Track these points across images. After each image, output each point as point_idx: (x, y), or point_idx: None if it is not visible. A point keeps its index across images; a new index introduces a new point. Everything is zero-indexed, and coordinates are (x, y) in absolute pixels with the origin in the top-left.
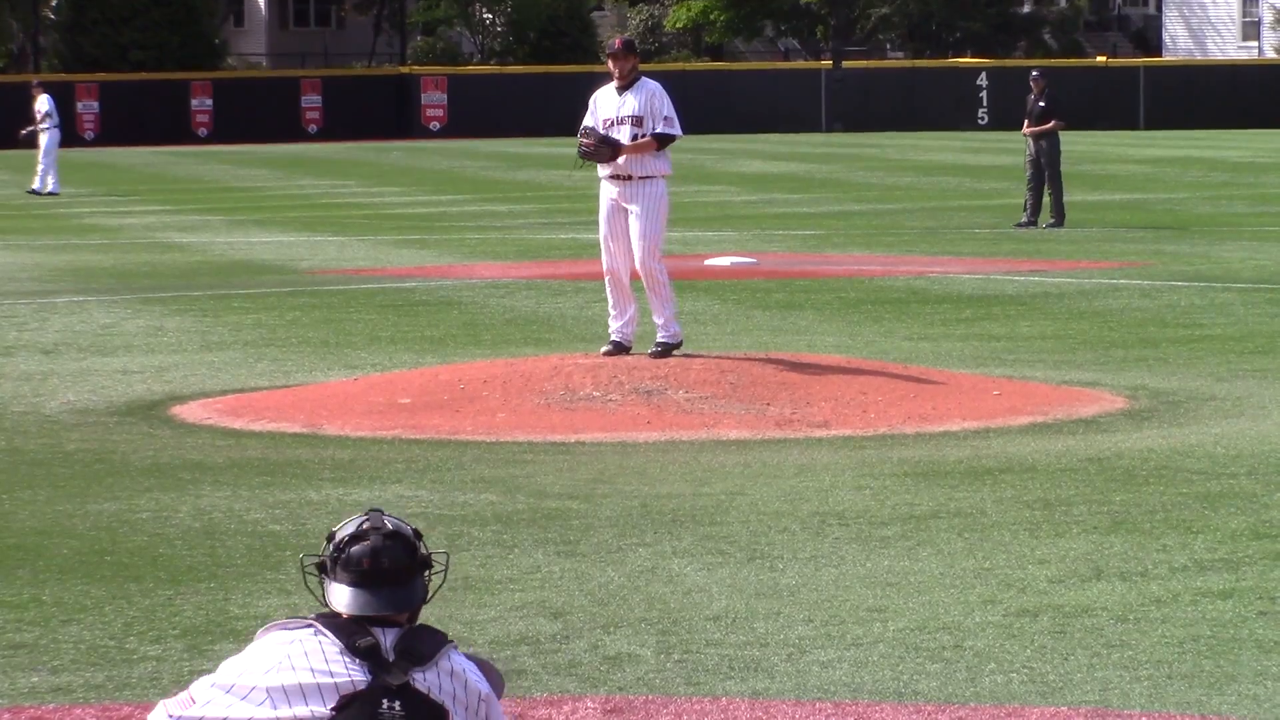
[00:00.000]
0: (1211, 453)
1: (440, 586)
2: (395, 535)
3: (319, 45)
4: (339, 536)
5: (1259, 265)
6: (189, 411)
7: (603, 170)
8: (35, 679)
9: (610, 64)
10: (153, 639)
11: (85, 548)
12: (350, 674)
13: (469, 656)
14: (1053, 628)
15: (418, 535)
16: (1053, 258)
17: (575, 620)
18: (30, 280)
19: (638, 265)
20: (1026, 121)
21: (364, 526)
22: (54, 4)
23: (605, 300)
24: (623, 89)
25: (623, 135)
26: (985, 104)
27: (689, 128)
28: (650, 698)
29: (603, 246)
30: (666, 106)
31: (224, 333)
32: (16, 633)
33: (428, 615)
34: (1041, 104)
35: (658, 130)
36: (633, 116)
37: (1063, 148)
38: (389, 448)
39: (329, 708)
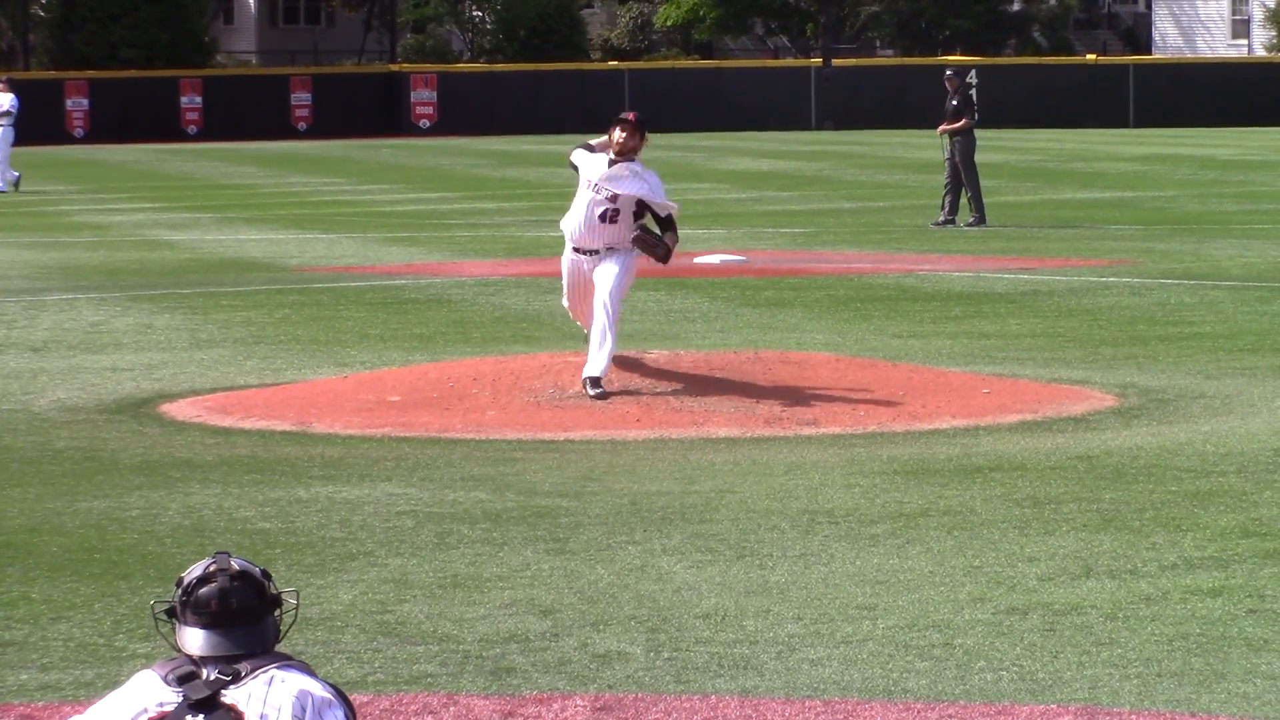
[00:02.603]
0: (1201, 450)
1: (292, 625)
2: (243, 576)
3: (308, 43)
4: (186, 580)
5: (1248, 263)
6: (178, 409)
7: (578, 240)
8: (24, 676)
9: (618, 133)
10: (142, 637)
11: (75, 545)
12: (161, 698)
13: (327, 684)
14: (1042, 625)
15: (266, 575)
16: (1042, 255)
17: (565, 618)
18: (19, 278)
19: (597, 300)
20: (943, 121)
21: (211, 569)
22: (44, 1)
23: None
24: (615, 161)
25: (598, 201)
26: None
27: (678, 125)
28: (640, 696)
29: (570, 312)
30: (662, 192)
31: (213, 330)
32: (5, 630)
33: (415, 613)
34: (954, 103)
35: (668, 214)
36: (611, 195)
37: (1051, 145)
38: (378, 445)
39: None
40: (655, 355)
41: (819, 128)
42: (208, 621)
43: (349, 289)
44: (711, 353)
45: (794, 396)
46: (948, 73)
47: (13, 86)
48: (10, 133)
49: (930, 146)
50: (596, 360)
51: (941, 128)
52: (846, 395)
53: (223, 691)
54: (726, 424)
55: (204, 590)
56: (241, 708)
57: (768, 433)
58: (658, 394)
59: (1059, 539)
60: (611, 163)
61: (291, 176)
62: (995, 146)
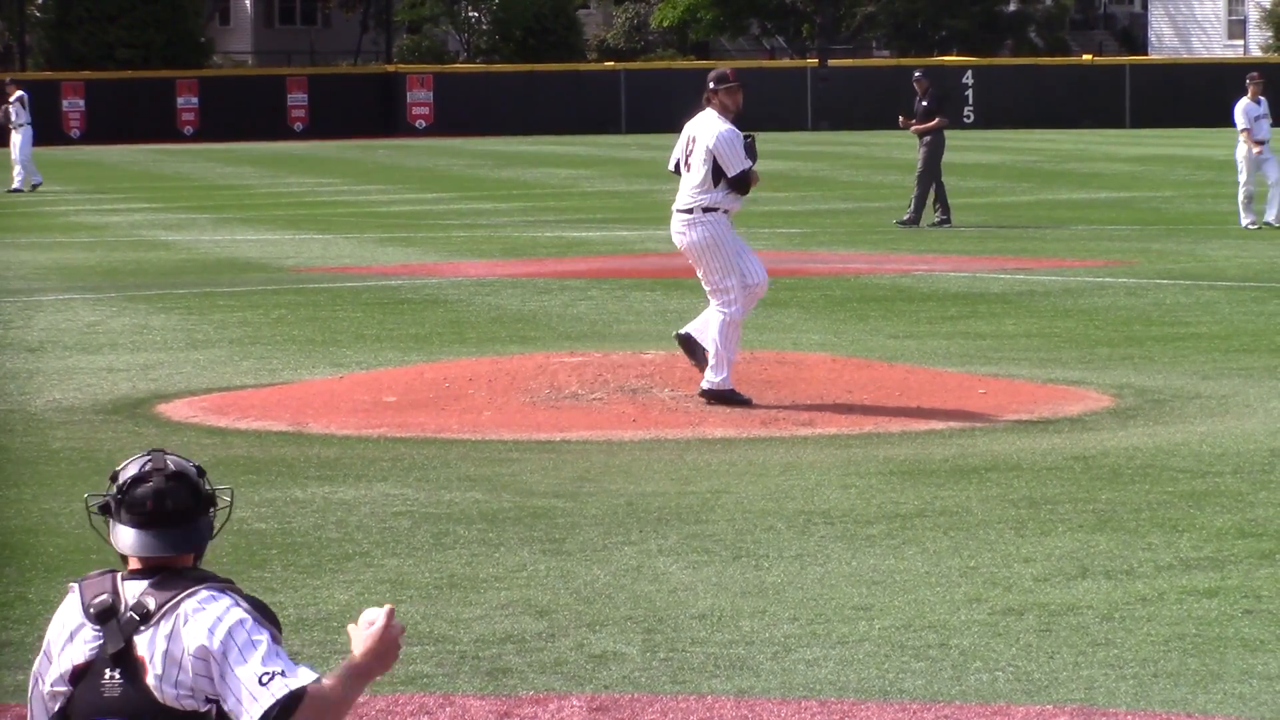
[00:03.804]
0: (1197, 451)
1: (226, 522)
2: (179, 476)
3: (305, 43)
4: (122, 478)
5: (1244, 263)
6: (174, 409)
7: (734, 203)
8: (21, 677)
9: (727, 98)
10: None
11: (71, 546)
12: (85, 643)
13: (248, 599)
14: (1038, 626)
15: (201, 473)
16: (1038, 256)
17: (561, 619)
18: (16, 278)
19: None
20: (914, 121)
21: (147, 467)
22: (40, 1)
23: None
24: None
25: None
26: (971, 102)
27: (674, 126)
28: (636, 696)
29: (748, 271)
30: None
31: (209, 330)
32: (2, 631)
33: (411, 613)
34: (924, 104)
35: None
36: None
37: (1047, 146)
38: (374, 446)
39: (66, 683)
40: (651, 355)
41: (815, 128)
42: (141, 521)
43: (345, 289)
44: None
45: (790, 397)
46: (916, 74)
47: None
48: (30, 132)
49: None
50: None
51: (913, 127)
52: (842, 396)
53: (135, 636)
54: (722, 425)
55: (139, 490)
56: (147, 661)
57: (764, 433)
58: (654, 394)
59: (1055, 539)
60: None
61: (288, 177)
62: (991, 147)
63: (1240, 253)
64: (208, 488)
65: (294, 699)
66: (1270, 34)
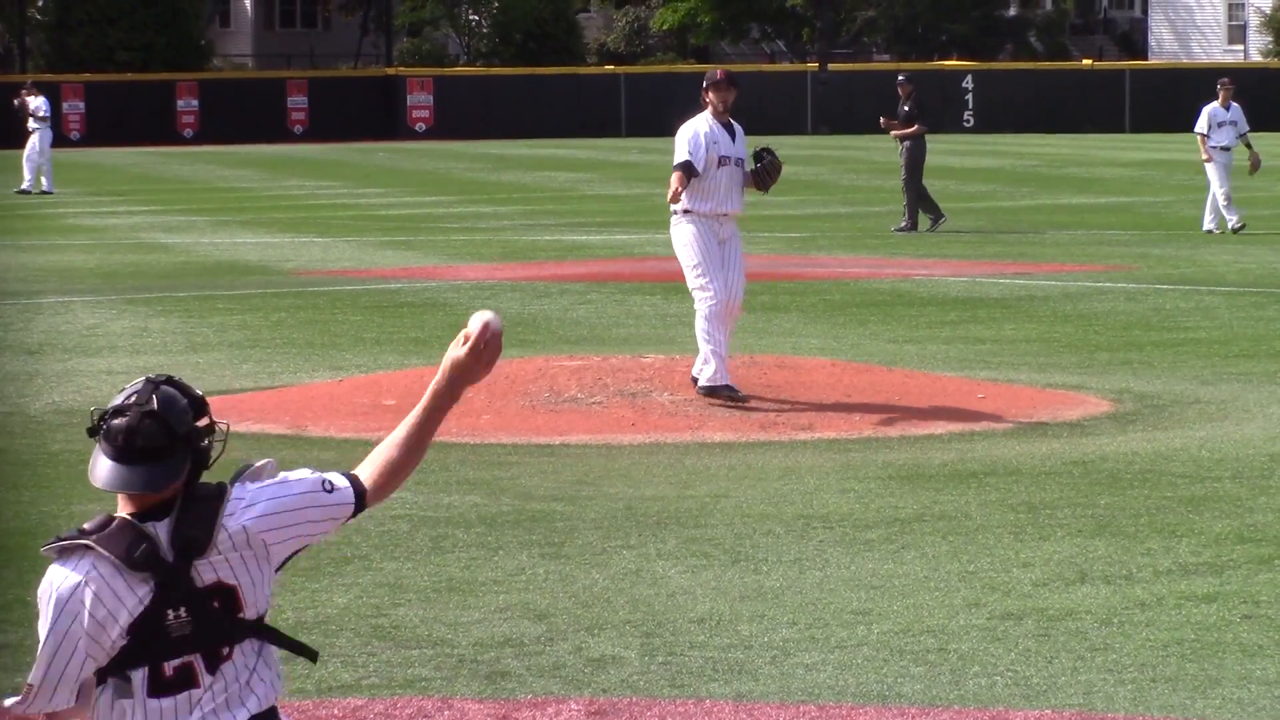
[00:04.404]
0: (1196, 456)
1: (219, 456)
2: (154, 415)
3: (305, 46)
4: (109, 405)
5: (1244, 269)
6: None
7: (702, 205)
8: (19, 678)
9: (714, 95)
10: None
11: None
12: (137, 594)
13: (250, 475)
14: (1037, 631)
15: (196, 405)
16: (1038, 260)
17: (560, 622)
18: (15, 280)
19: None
20: (895, 124)
21: (130, 399)
22: (40, 4)
23: (703, 336)
24: (725, 124)
25: (734, 176)
26: (971, 106)
27: (674, 130)
28: (634, 700)
29: (716, 280)
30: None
31: (209, 333)
32: (1, 633)
33: (410, 616)
34: (906, 108)
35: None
36: (737, 158)
37: (1047, 150)
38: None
39: (125, 637)
40: (651, 359)
41: (815, 132)
42: (114, 454)
43: (344, 292)
44: None
45: (789, 401)
46: (900, 78)
47: (9, 90)
48: (49, 134)
49: (929, 151)
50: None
51: (894, 131)
52: (842, 400)
53: (197, 571)
54: (722, 429)
55: (115, 422)
56: (230, 580)
57: (763, 437)
58: (653, 398)
59: (1054, 544)
60: (725, 127)
61: (287, 180)
62: (991, 151)
63: (1240, 258)
64: (189, 425)
65: (356, 479)
66: (1270, 39)
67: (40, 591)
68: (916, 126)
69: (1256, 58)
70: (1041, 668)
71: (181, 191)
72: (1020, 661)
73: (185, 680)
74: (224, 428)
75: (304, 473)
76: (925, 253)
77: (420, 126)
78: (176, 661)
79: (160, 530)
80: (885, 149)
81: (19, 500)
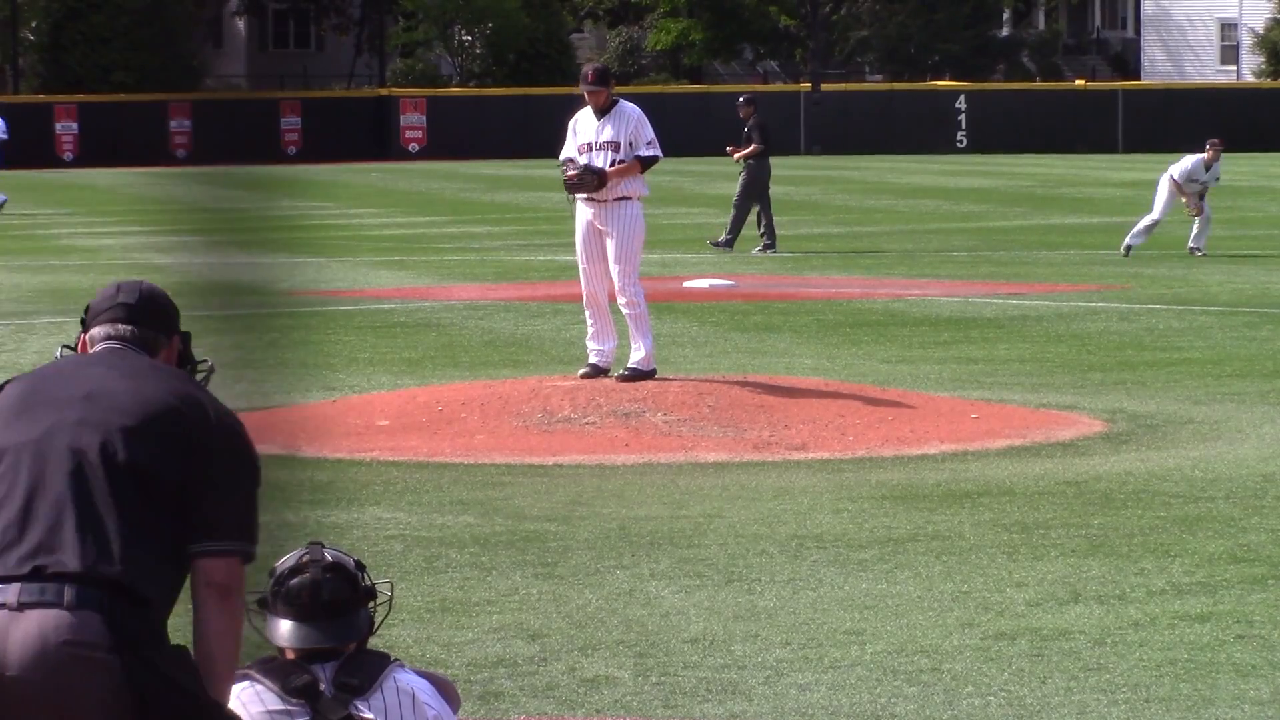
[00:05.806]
0: (1189, 476)
1: (386, 616)
2: (335, 567)
3: (298, 67)
4: (279, 570)
5: (1236, 288)
6: None
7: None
8: None
9: (586, 95)
10: None
11: None
12: (291, 717)
13: (423, 673)
14: (1030, 651)
15: (360, 566)
16: (1031, 280)
17: (553, 642)
18: (8, 301)
19: (616, 289)
20: (737, 147)
21: (304, 559)
22: (34, 25)
23: (584, 323)
24: (601, 114)
25: (602, 160)
26: (964, 127)
27: (667, 150)
28: None
29: (580, 270)
30: (648, 131)
31: (202, 354)
32: None
33: (403, 636)
34: (745, 130)
35: (642, 154)
36: (611, 142)
37: (1040, 170)
38: (367, 470)
39: None
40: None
41: (808, 152)
42: (298, 614)
43: (338, 313)
44: (700, 377)
45: (783, 421)
46: (740, 99)
47: (2, 111)
48: None
49: (918, 171)
50: (641, 354)
51: (736, 154)
52: (835, 420)
53: (355, 706)
54: (715, 449)
55: (295, 581)
56: None
57: (756, 457)
58: (646, 418)
59: (1047, 564)
60: (598, 115)
61: (280, 200)
62: (983, 172)
63: (1232, 278)
64: (367, 581)
65: None
66: (1263, 59)
67: None
68: (753, 147)
69: (1249, 78)
70: (1035, 688)
71: (174, 212)
72: (1014, 681)
73: None
74: (387, 591)
75: None
76: (918, 273)
77: (413, 147)
78: None
79: (323, 671)
80: (878, 169)
81: None
